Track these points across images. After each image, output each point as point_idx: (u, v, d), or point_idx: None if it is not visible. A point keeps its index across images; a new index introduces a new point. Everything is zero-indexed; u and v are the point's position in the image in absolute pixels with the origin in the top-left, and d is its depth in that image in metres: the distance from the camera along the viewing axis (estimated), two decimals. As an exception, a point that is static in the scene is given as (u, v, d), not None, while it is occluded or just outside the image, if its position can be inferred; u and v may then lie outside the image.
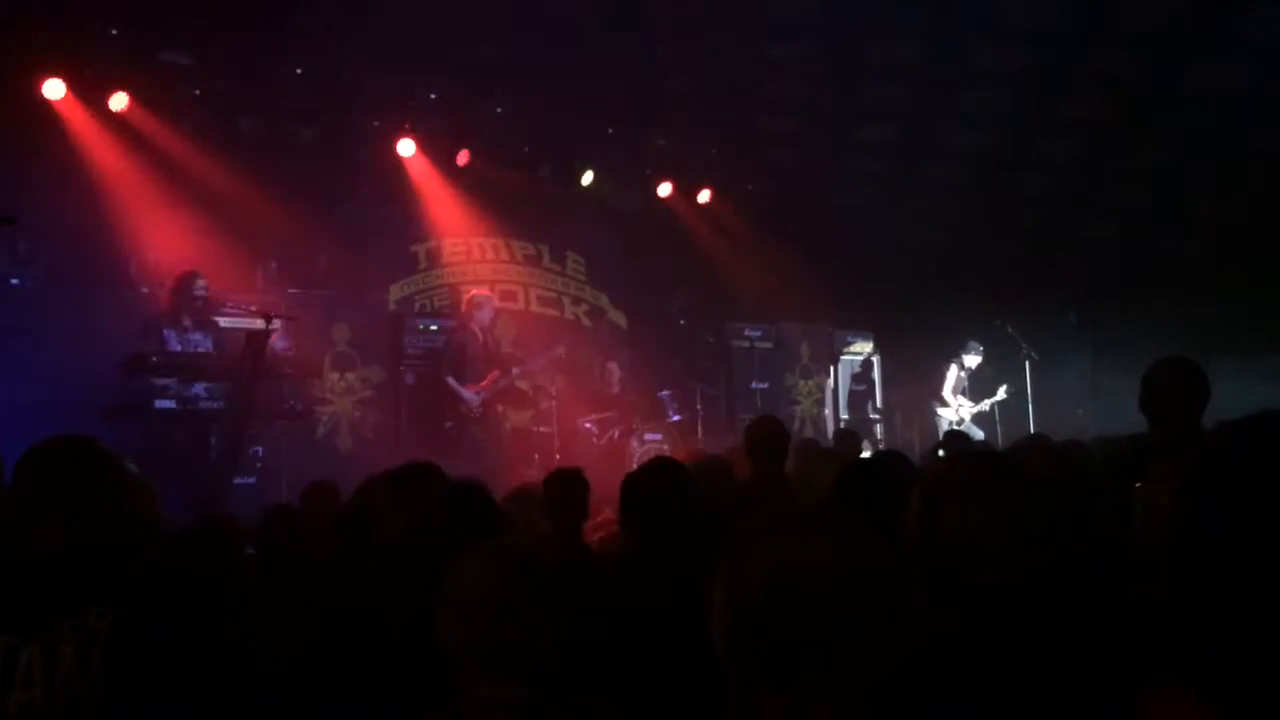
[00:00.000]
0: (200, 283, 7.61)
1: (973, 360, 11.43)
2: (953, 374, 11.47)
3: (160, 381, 7.07)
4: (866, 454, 8.13)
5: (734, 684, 1.33)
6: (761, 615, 1.30)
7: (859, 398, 12.66)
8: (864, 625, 1.29)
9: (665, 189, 11.58)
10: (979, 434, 10.58)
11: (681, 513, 2.94)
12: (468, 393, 9.00)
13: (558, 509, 4.12)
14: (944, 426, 10.96)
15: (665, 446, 9.48)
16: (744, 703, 1.32)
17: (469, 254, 11.04)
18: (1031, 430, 10.44)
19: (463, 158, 10.23)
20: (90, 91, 8.34)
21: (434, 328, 9.89)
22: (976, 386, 11.49)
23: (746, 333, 11.84)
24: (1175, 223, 12.65)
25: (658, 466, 3.28)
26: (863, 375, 12.80)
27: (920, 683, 1.49)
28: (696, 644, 2.43)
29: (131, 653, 1.99)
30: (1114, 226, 13.15)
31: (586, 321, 11.80)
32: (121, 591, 2.06)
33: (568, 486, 4.18)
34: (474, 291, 9.74)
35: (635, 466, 8.65)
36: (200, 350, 7.50)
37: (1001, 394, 11.13)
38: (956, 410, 11.33)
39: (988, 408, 11.24)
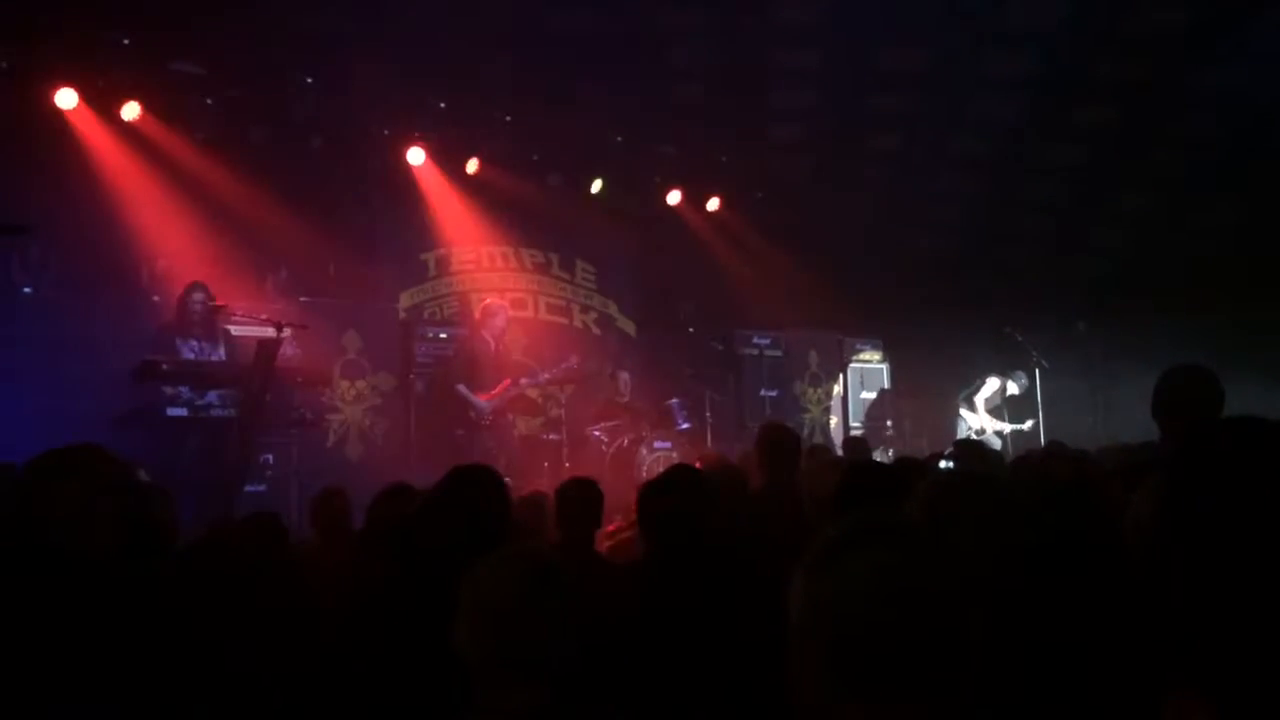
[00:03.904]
0: (197, 295, 7.64)
1: (1013, 388, 11.30)
2: (992, 386, 11.29)
3: (171, 389, 7.09)
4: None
5: (813, 693, 1.30)
6: (865, 628, 1.27)
7: (868, 405, 12.63)
8: (959, 638, 1.29)
9: (674, 197, 11.60)
10: (995, 442, 10.55)
11: (700, 521, 2.93)
12: (479, 400, 9.01)
13: (571, 518, 4.09)
14: (962, 431, 10.90)
15: (674, 454, 9.46)
16: (828, 715, 1.29)
17: (478, 262, 11.06)
18: (1042, 437, 10.42)
19: (472, 166, 10.27)
20: (102, 101, 8.39)
21: (443, 336, 9.90)
22: (1010, 405, 11.38)
23: (755, 340, 11.82)
24: (1185, 229, 12.61)
25: (676, 475, 3.27)
26: (872, 383, 12.78)
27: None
28: (717, 651, 2.44)
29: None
30: (1123, 233, 13.12)
31: (595, 329, 11.81)
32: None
33: (582, 497, 4.13)
34: (488, 300, 9.76)
35: (644, 474, 8.70)
36: (212, 358, 7.53)
37: (1027, 426, 11.00)
38: (983, 418, 11.23)
39: (1008, 432, 11.16)
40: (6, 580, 1.91)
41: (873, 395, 12.66)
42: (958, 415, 11.35)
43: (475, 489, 2.95)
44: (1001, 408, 11.38)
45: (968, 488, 2.33)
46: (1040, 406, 10.74)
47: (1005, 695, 1.85)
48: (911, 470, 4.01)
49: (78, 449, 2.21)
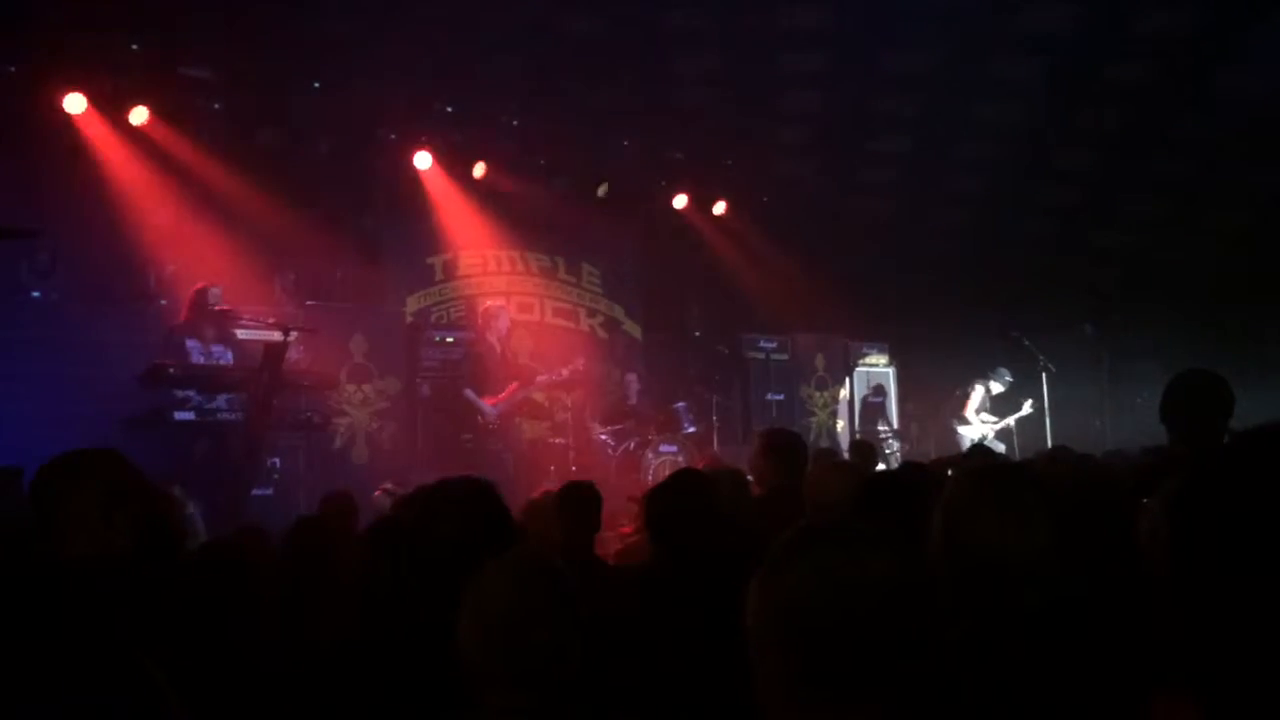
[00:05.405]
0: (216, 293, 7.65)
1: (998, 387, 11.35)
2: (978, 394, 11.36)
3: (179, 393, 7.10)
4: (881, 466, 8.09)
5: (772, 697, 1.32)
6: (812, 629, 1.28)
7: (874, 409, 12.62)
8: (912, 638, 1.29)
9: (681, 201, 11.61)
10: (1000, 447, 10.53)
11: (707, 525, 2.94)
12: (486, 405, 9.01)
13: (569, 522, 4.11)
14: (965, 445, 10.90)
15: (680, 458, 9.46)
16: (783, 716, 1.31)
17: (485, 266, 11.06)
18: (1049, 442, 10.41)
19: (479, 170, 10.28)
20: (111, 105, 8.41)
21: (450, 340, 9.90)
22: (999, 403, 11.43)
23: (761, 344, 11.83)
24: (1192, 233, 12.59)
25: (683, 480, 3.27)
26: (878, 387, 12.76)
27: (955, 697, 1.50)
28: (722, 655, 2.43)
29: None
30: (1131, 237, 13.10)
31: (602, 333, 11.81)
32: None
33: (579, 500, 4.16)
34: (489, 303, 9.76)
35: (651, 478, 8.70)
36: (220, 362, 7.54)
37: (1027, 408, 11.04)
38: (980, 427, 11.24)
39: (1012, 424, 11.17)
40: (20, 584, 1.92)
41: (878, 400, 12.65)
42: (956, 435, 11.34)
43: (465, 498, 2.91)
44: (993, 410, 11.39)
45: (999, 480, 2.25)
46: (1048, 410, 10.72)
47: (1015, 699, 1.84)
48: (922, 475, 4.00)
49: (93, 453, 2.22)
